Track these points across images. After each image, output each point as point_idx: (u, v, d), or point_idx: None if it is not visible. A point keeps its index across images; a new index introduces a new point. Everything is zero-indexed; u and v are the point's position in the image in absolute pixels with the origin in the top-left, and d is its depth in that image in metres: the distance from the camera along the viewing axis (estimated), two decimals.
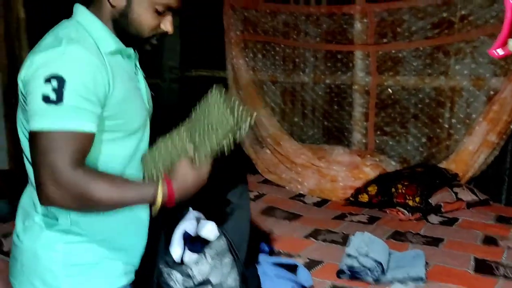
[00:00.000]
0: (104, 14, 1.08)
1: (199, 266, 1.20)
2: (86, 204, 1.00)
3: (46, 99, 0.94)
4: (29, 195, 1.12)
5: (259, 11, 3.34)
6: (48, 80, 0.94)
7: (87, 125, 0.99)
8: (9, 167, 2.98)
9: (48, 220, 1.07)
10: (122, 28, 1.08)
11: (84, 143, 1.00)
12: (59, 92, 0.94)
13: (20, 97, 1.04)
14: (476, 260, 1.91)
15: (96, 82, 0.99)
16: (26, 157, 1.10)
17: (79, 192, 0.97)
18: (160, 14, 1.08)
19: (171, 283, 1.20)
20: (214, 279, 1.20)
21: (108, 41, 1.07)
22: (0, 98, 3.03)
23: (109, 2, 1.07)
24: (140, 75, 1.19)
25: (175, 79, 3.85)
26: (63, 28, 1.06)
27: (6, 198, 2.37)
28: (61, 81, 0.95)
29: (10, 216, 2.31)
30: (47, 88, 0.94)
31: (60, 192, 0.97)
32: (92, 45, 1.04)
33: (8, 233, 2.06)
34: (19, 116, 1.08)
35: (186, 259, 1.18)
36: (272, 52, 3.39)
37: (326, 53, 3.20)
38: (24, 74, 0.99)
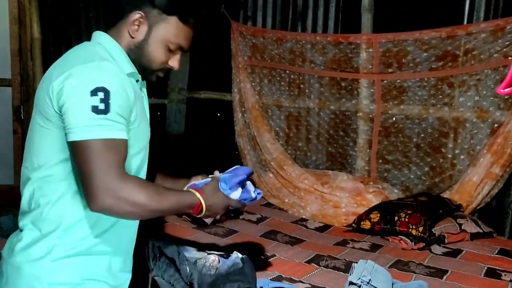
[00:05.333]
0: (122, 42, 1.18)
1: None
2: (135, 210, 1.07)
3: (95, 109, 1.01)
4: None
5: (266, 38, 3.41)
6: (94, 92, 1.02)
7: (126, 134, 1.08)
8: (15, 183, 3.00)
9: (34, 236, 1.11)
10: (135, 58, 1.19)
11: (126, 151, 1.08)
12: (106, 102, 1.02)
13: (41, 103, 1.09)
14: None
15: (127, 97, 1.09)
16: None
17: (133, 198, 1.04)
18: (171, 51, 1.19)
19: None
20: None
21: (125, 63, 1.17)
22: (10, 115, 3.07)
23: (129, 33, 1.17)
24: (145, 100, 1.27)
25: (183, 100, 3.91)
26: (88, 47, 1.15)
27: (11, 213, 2.38)
28: (107, 92, 1.03)
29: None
30: (95, 99, 1.01)
31: (113, 200, 1.02)
32: (116, 64, 1.13)
33: None
34: (37, 121, 1.11)
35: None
36: (278, 78, 3.45)
37: (331, 80, 3.24)
38: (59, 84, 1.04)
